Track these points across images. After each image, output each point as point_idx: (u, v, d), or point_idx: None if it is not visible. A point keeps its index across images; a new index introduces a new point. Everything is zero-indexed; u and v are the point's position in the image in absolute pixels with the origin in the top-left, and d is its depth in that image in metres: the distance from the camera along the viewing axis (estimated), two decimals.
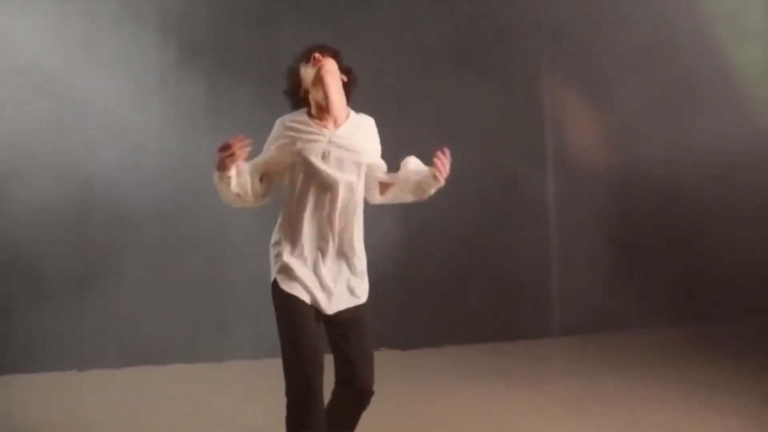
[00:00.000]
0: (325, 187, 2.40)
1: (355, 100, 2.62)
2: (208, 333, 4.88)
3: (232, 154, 2.32)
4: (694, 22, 5.53)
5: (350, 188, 2.43)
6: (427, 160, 2.56)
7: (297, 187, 2.42)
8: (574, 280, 5.53)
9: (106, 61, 4.77)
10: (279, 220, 2.51)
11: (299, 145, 2.41)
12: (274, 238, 2.50)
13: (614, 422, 3.54)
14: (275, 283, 2.42)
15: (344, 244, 2.44)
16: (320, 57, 2.44)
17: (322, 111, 2.46)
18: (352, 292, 2.45)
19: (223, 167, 2.35)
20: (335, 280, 2.42)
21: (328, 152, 2.41)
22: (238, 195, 2.43)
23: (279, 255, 2.44)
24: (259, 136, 4.78)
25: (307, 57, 2.48)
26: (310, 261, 2.42)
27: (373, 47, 5.09)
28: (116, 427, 3.61)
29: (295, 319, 2.37)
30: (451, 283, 5.33)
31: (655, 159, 5.43)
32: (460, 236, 5.29)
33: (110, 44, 4.79)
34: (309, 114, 2.48)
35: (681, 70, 5.49)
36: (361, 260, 2.49)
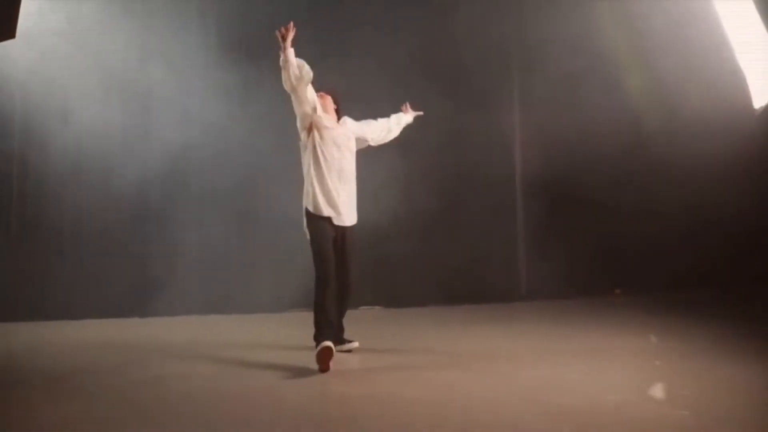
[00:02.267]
0: (336, 145, 3.95)
1: None
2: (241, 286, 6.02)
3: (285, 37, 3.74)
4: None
5: (349, 148, 4.00)
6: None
7: (317, 147, 3.92)
8: (537, 254, 6.55)
9: (160, 56, 5.95)
10: (306, 170, 3.98)
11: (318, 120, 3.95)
12: (306, 186, 4.00)
13: (569, 359, 3.89)
14: (307, 210, 3.91)
15: (349, 176, 3.97)
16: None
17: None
18: (351, 214, 3.97)
19: (285, 45, 3.75)
20: (345, 204, 3.92)
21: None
22: (298, 73, 3.80)
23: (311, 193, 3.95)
24: (276, 116, 6.00)
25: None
26: (333, 193, 3.91)
27: (356, 63, 6.16)
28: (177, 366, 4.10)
29: (318, 234, 3.87)
30: (435, 256, 6.37)
31: (609, 156, 6.34)
32: (442, 218, 6.37)
33: (163, 43, 5.95)
34: None
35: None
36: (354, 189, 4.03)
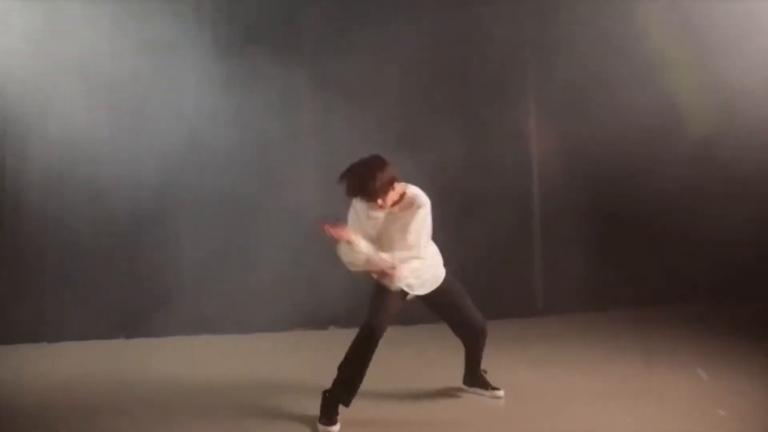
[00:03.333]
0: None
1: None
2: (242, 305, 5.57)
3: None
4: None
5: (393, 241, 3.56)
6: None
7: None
8: (554, 266, 6.16)
9: (149, 51, 5.47)
10: None
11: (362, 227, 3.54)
12: None
13: (607, 401, 3.78)
14: None
15: None
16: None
17: None
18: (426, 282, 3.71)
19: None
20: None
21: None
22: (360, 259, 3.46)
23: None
24: (279, 112, 5.50)
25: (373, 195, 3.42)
26: None
27: (359, 64, 5.72)
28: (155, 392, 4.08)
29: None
30: (447, 269, 5.95)
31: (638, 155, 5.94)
32: (454, 229, 5.85)
33: (156, 39, 5.48)
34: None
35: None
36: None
